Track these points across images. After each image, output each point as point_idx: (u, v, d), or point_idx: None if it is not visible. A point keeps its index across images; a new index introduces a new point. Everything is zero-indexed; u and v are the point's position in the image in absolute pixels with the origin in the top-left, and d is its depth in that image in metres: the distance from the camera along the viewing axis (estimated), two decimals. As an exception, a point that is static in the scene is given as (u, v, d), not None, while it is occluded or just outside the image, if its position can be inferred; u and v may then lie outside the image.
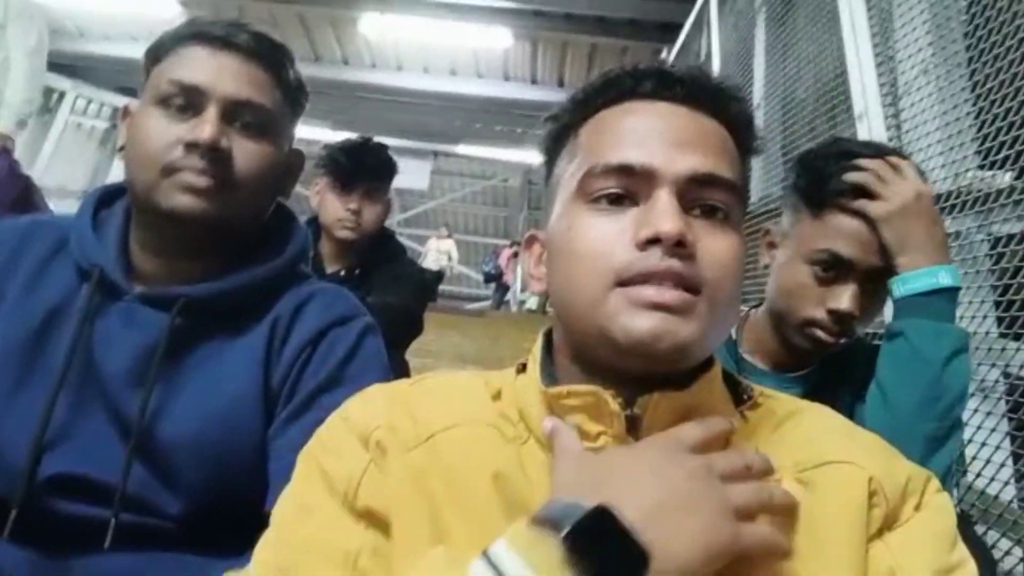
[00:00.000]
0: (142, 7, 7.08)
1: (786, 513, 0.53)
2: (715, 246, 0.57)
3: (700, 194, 0.58)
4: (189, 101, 0.86)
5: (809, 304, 1.02)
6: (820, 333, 1.02)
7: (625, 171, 0.58)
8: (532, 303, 9.82)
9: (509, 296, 11.19)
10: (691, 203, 0.58)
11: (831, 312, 1.00)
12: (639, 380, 0.56)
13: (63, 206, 8.33)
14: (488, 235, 14.28)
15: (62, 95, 8.25)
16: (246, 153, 0.88)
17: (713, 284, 0.56)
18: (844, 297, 0.99)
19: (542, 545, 0.46)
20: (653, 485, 0.50)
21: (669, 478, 0.50)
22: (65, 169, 8.49)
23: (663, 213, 0.55)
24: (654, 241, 0.55)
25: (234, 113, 0.87)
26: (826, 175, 1.03)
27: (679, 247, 0.55)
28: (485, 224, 14.48)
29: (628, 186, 0.58)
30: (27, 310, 0.88)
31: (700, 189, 0.58)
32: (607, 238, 0.57)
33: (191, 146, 0.84)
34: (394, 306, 1.75)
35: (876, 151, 1.06)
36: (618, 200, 0.58)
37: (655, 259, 0.54)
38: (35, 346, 0.86)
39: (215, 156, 0.85)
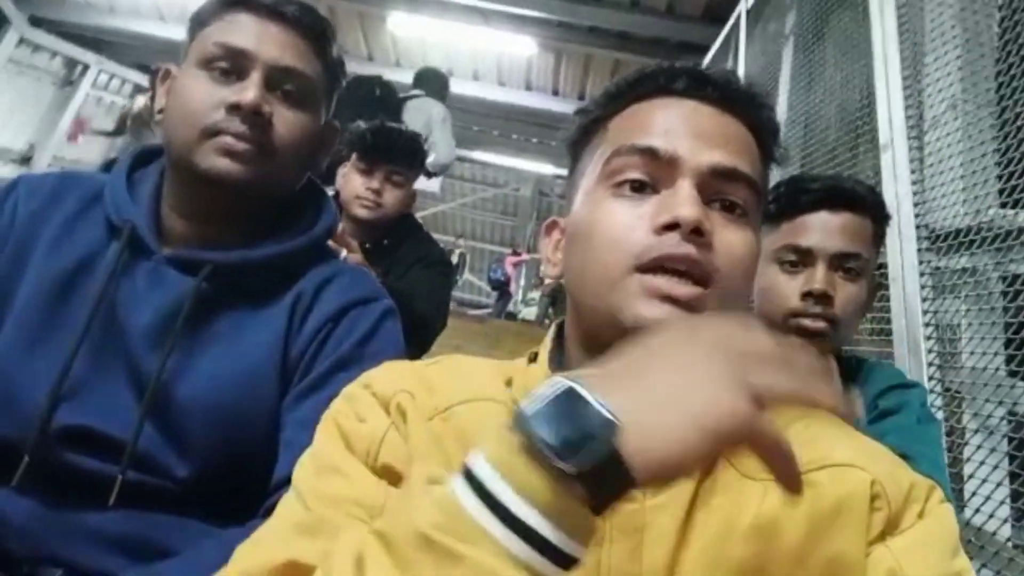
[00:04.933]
0: (171, -15, 7.13)
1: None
2: (731, 239, 0.59)
3: (721, 188, 0.60)
4: (234, 65, 0.87)
5: (786, 296, 1.10)
6: (805, 321, 1.09)
7: (650, 154, 0.60)
8: (529, 313, 9.80)
9: (511, 306, 11.17)
10: (711, 196, 0.59)
11: (806, 296, 1.08)
12: None
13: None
14: (495, 243, 14.27)
15: (85, 68, 8.28)
16: (286, 121, 0.89)
17: (725, 275, 0.57)
18: (814, 278, 1.08)
19: (505, 439, 0.41)
20: (644, 361, 0.43)
21: (667, 351, 0.44)
22: (83, 143, 8.51)
23: (683, 200, 0.57)
24: (672, 227, 0.56)
25: (277, 80, 0.89)
26: (793, 191, 1.14)
27: (696, 234, 0.56)
28: (492, 232, 14.47)
29: (651, 172, 0.60)
30: (56, 261, 0.88)
31: (721, 183, 0.60)
32: (627, 222, 0.59)
33: (233, 108, 0.85)
34: (416, 310, 1.73)
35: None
36: (640, 188, 0.60)
37: (672, 243, 0.56)
38: (61, 297, 0.87)
39: (256, 120, 0.86)
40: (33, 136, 8.02)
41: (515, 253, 11.63)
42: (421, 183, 3.87)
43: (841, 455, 0.58)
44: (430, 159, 3.88)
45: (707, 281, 0.56)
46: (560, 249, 0.68)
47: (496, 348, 4.49)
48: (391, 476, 0.59)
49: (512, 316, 10.00)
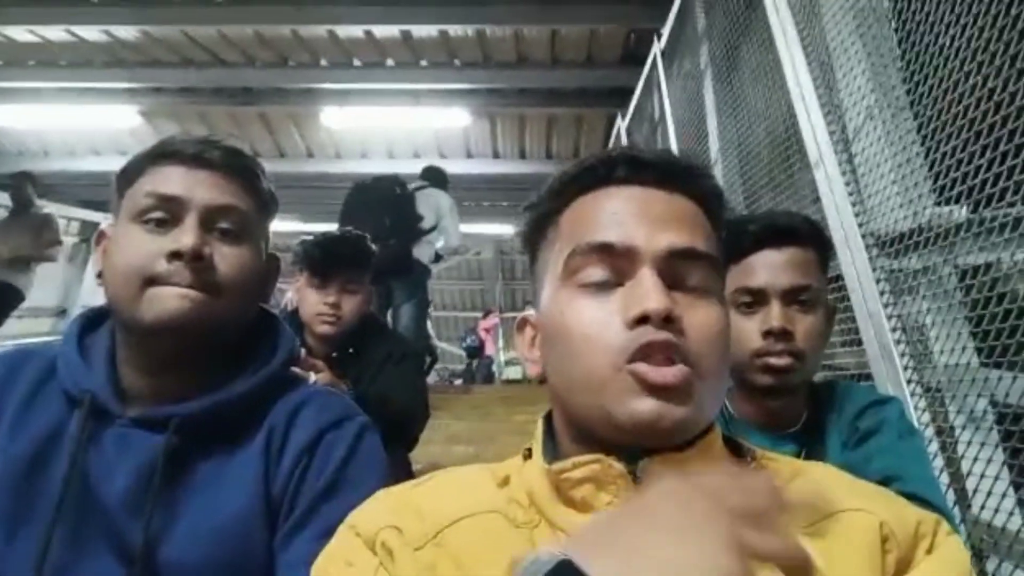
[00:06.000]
0: (103, 120, 7.17)
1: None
2: (699, 318, 0.59)
3: (681, 268, 0.61)
4: (168, 213, 0.88)
5: (747, 338, 1.12)
6: (770, 360, 1.11)
7: (607, 250, 0.61)
8: (514, 372, 9.74)
9: (495, 368, 11.09)
10: (673, 278, 0.60)
11: (766, 335, 1.10)
12: (641, 452, 0.58)
13: (38, 325, 8.20)
14: (467, 309, 14.28)
15: (28, 214, 8.21)
16: (227, 258, 0.89)
17: (702, 357, 0.58)
18: (771, 316, 1.11)
19: None
20: (640, 526, 0.44)
21: (662, 515, 0.45)
22: (37, 288, 8.38)
23: (649, 291, 0.58)
24: (643, 319, 0.57)
25: (213, 220, 0.89)
26: (734, 234, 1.14)
27: (667, 322, 0.57)
28: (463, 298, 14.50)
29: (612, 265, 0.61)
30: (19, 444, 0.86)
31: (680, 263, 0.61)
32: (599, 319, 0.59)
33: (174, 256, 0.85)
34: (394, 410, 1.75)
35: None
36: (604, 282, 0.61)
37: (649, 334, 0.57)
38: (30, 480, 0.85)
39: (199, 265, 0.86)
40: (-16, 292, 7.88)
41: (486, 316, 11.63)
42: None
43: (848, 501, 0.59)
44: (440, 244, 4.53)
45: (689, 362, 0.57)
46: (536, 346, 0.68)
47: (486, 419, 4.45)
48: None
49: (491, 379, 9.97)
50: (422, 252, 4.26)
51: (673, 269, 0.60)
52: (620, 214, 0.62)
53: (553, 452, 0.65)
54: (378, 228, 3.67)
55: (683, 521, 0.43)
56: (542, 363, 0.67)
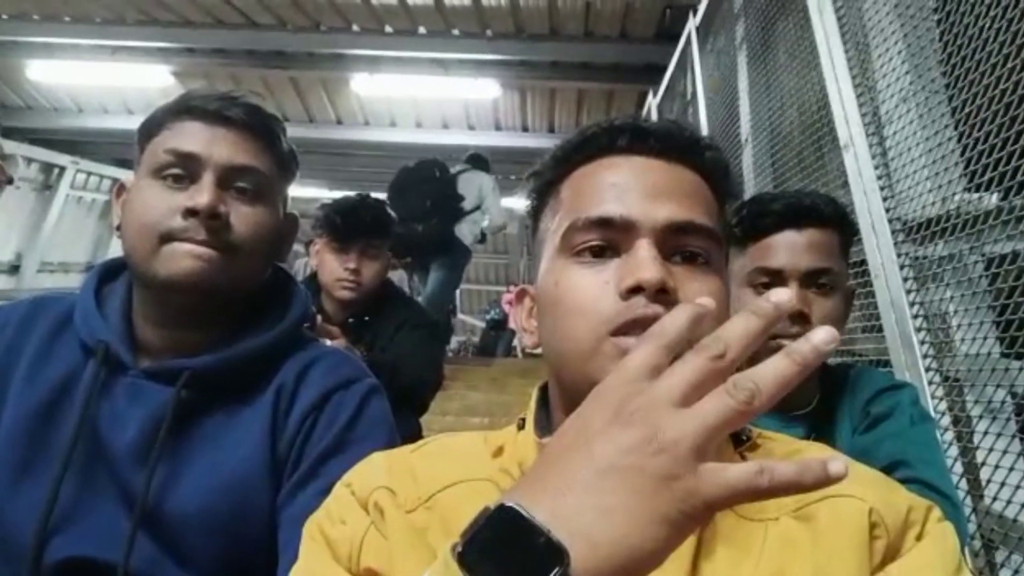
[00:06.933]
0: (137, 80, 7.23)
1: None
2: (696, 291, 0.58)
3: (679, 241, 0.60)
4: (186, 170, 0.88)
5: None
6: (784, 341, 1.05)
7: (605, 224, 0.60)
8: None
9: (516, 341, 11.13)
10: (671, 251, 0.60)
11: None
12: None
13: (67, 281, 8.37)
14: (490, 283, 14.33)
15: (62, 171, 8.34)
16: (243, 218, 0.90)
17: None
18: None
19: (448, 565, 0.38)
20: (573, 461, 0.39)
21: (595, 445, 0.39)
22: (67, 244, 8.56)
23: (643, 262, 0.57)
24: (637, 290, 0.57)
25: (230, 179, 0.89)
26: (756, 213, 1.14)
27: (662, 294, 0.56)
28: (487, 272, 14.54)
29: (609, 238, 0.60)
30: (34, 390, 0.88)
31: (679, 236, 0.60)
32: (592, 290, 0.59)
33: (190, 213, 0.85)
34: (406, 376, 1.76)
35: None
36: (600, 252, 0.61)
37: (640, 307, 0.56)
38: (43, 426, 0.87)
39: (214, 223, 0.86)
40: (19, 244, 8.06)
41: (509, 290, 11.67)
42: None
43: (837, 485, 0.58)
44: (484, 223, 4.73)
45: None
46: (533, 316, 0.68)
47: (503, 392, 4.47)
48: None
49: (511, 351, 10.00)
50: (463, 232, 4.44)
51: (671, 242, 0.60)
52: (620, 186, 0.62)
53: (546, 423, 0.65)
54: (419, 209, 3.89)
55: (620, 437, 0.38)
56: (537, 333, 0.67)
